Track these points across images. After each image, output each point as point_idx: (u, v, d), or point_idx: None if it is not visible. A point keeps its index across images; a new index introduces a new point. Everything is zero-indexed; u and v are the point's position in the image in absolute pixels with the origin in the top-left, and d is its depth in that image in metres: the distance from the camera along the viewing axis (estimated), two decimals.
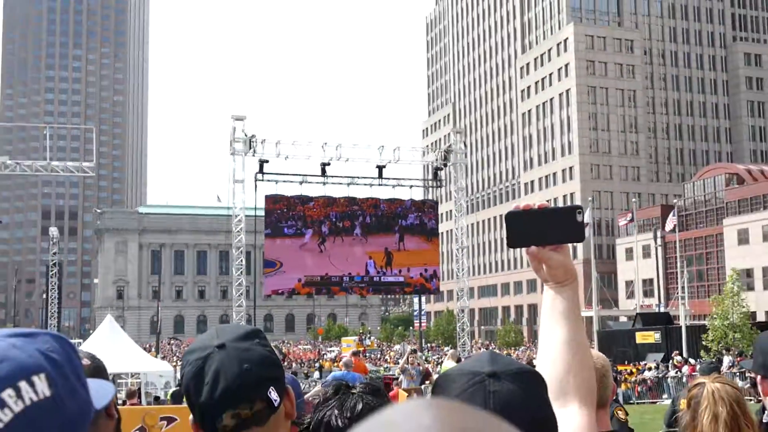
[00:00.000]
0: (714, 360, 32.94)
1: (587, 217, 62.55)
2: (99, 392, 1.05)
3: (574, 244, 1.69)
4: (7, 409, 0.85)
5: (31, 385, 0.88)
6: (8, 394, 0.85)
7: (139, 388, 25.60)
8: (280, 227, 39.53)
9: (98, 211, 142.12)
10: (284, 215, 39.68)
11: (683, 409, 3.28)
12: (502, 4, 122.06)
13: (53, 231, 59.91)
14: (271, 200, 39.42)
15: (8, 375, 0.87)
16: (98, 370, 2.10)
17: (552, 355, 1.61)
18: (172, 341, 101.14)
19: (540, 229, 1.61)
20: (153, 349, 58.22)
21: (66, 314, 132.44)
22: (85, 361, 1.98)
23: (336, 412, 1.73)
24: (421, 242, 42.18)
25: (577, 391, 1.57)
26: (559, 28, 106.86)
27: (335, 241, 39.97)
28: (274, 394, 1.49)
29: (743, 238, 76.29)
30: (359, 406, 1.75)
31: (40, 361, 0.91)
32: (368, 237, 40.60)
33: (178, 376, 30.53)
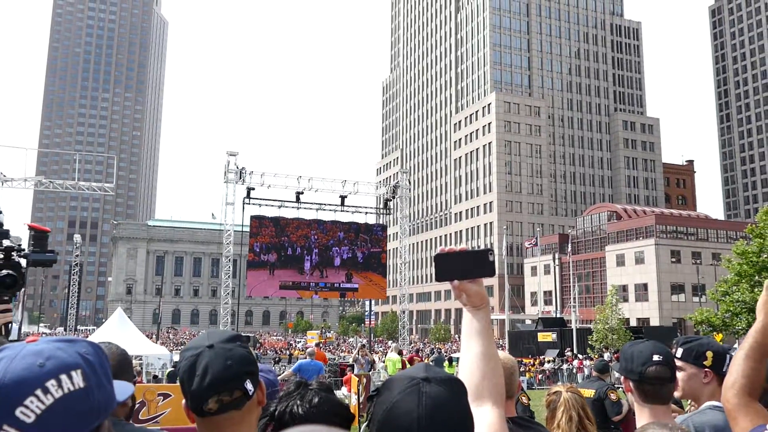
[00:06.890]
0: (604, 358, 33.15)
1: (503, 243, 63.10)
2: (121, 390, 1.13)
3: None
4: (49, 395, 0.90)
5: (70, 378, 0.92)
6: (51, 383, 0.91)
7: (141, 368, 24.74)
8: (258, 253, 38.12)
9: (115, 222, 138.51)
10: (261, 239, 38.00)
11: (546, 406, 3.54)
12: (441, 75, 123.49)
13: (77, 237, 57.85)
14: (255, 220, 38.79)
15: (52, 369, 0.92)
16: (125, 363, 2.25)
17: (470, 365, 1.62)
18: (169, 330, 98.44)
19: (461, 266, 1.63)
20: (154, 336, 56.52)
21: (83, 305, 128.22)
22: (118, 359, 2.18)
23: (298, 402, 1.76)
24: (353, 274, 39.73)
25: (490, 393, 1.58)
26: (484, 95, 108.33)
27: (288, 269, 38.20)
28: (249, 385, 1.51)
29: (620, 261, 77.53)
30: (316, 399, 1.77)
31: (78, 360, 0.95)
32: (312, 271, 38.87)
33: (173, 359, 29.63)
